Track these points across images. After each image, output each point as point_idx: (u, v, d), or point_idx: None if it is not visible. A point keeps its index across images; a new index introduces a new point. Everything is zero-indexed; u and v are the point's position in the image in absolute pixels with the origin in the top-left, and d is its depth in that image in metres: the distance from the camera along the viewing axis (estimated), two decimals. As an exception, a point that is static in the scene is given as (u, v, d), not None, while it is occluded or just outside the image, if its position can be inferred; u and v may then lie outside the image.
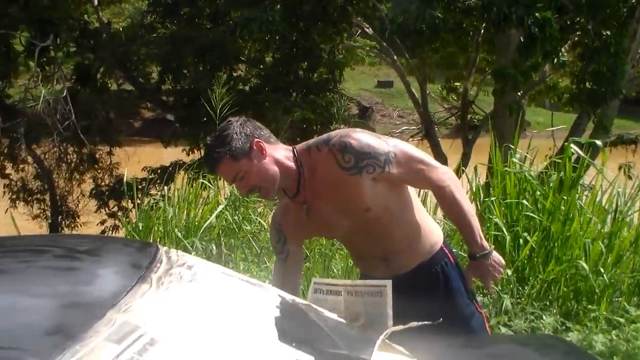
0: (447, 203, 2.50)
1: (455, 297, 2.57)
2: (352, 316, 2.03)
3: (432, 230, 2.65)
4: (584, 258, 4.15)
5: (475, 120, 13.92)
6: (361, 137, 2.41)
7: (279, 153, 2.47)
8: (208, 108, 5.65)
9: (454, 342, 2.07)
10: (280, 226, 2.66)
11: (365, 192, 2.43)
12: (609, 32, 8.86)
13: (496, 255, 2.52)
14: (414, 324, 1.84)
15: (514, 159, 4.65)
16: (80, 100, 12.40)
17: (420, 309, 2.25)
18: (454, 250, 2.90)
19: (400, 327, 1.83)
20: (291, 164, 2.47)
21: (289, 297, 1.81)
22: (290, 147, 2.53)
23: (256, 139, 2.41)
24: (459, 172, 5.66)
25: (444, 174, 2.48)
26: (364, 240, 2.60)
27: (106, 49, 12.49)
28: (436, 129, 13.64)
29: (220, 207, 4.94)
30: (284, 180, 2.46)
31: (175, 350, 1.24)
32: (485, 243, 2.50)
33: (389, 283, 2.04)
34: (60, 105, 10.89)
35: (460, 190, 2.49)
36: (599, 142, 5.06)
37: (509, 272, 4.04)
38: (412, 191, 2.62)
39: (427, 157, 2.51)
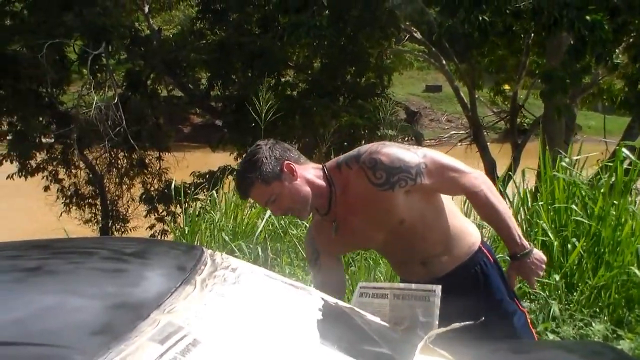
0: (482, 208, 2.49)
1: (496, 295, 2.55)
2: (396, 320, 2.03)
3: (469, 232, 2.64)
4: (636, 264, 4.06)
5: (525, 125, 13.77)
6: (390, 151, 2.41)
7: (309, 173, 2.49)
8: (254, 114, 5.70)
9: (499, 347, 2.05)
10: (313, 241, 2.70)
11: (399, 205, 2.44)
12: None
13: (537, 253, 2.50)
14: (456, 325, 1.83)
15: (562, 163, 4.58)
16: (130, 107, 12.61)
17: (462, 310, 2.24)
18: (497, 254, 2.87)
19: (443, 329, 1.83)
20: (322, 182, 2.49)
21: (332, 300, 1.82)
22: (320, 166, 2.55)
23: (286, 161, 2.43)
24: (506, 177, 5.62)
25: (476, 178, 2.47)
26: (401, 248, 2.61)
27: (156, 56, 12.68)
28: (485, 133, 13.51)
29: (268, 212, 4.97)
30: (315, 199, 2.48)
31: (217, 351, 1.26)
32: (525, 242, 2.48)
33: (438, 288, 2.03)
34: (112, 112, 11.08)
35: (494, 193, 2.47)
36: (627, 152, 4.92)
37: (557, 277, 3.98)
38: (445, 195, 2.61)
39: (458, 163, 2.50)
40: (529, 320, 2.61)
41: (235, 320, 1.40)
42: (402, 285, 2.03)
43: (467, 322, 1.87)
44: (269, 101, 5.69)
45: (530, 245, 2.50)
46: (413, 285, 2.02)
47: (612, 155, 6.20)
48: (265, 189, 2.41)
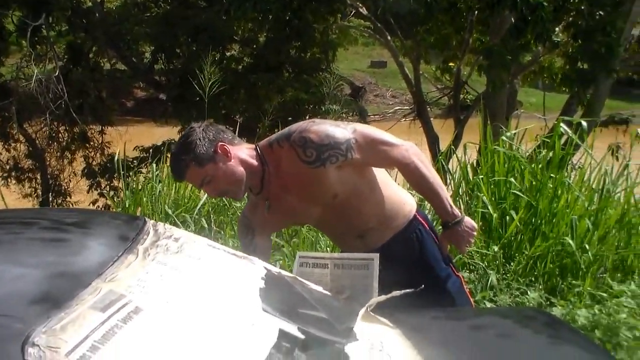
0: (414, 179, 2.53)
1: (431, 261, 2.61)
2: (337, 288, 2.07)
3: (404, 201, 2.68)
4: (570, 235, 4.20)
5: (468, 101, 13.94)
6: (320, 129, 2.42)
7: (243, 153, 2.50)
8: (199, 88, 5.66)
9: (437, 314, 2.11)
10: (249, 221, 2.69)
11: (331, 180, 2.46)
12: (602, 13, 8.87)
13: (468, 221, 2.57)
14: (397, 292, 1.88)
15: (503, 137, 4.68)
16: (72, 80, 12.34)
17: (399, 278, 2.30)
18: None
19: (383, 297, 1.87)
20: (255, 162, 2.50)
21: (275, 269, 1.85)
22: (253, 146, 2.56)
23: (220, 143, 2.44)
24: (449, 151, 5.71)
25: (407, 150, 2.50)
26: (337, 222, 2.64)
27: (99, 28, 12.41)
28: (428, 109, 13.63)
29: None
30: (249, 179, 2.49)
31: (160, 318, 1.27)
32: (456, 211, 2.54)
33: (376, 256, 2.08)
34: (53, 85, 10.83)
35: (425, 164, 2.52)
36: (584, 122, 5.07)
37: (496, 248, 4.09)
38: (376, 172, 2.64)
39: (389, 136, 2.53)
40: (464, 285, 2.68)
41: (177, 288, 1.41)
42: (341, 254, 2.06)
43: (407, 290, 1.92)
44: (213, 75, 5.65)
45: (461, 213, 2.57)
46: (352, 255, 2.05)
47: (550, 130, 6.36)
48: (200, 171, 2.41)
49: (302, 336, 1.42)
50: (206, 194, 4.89)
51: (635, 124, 11.01)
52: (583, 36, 8.64)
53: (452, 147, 5.80)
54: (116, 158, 9.31)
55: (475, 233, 2.56)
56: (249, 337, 1.31)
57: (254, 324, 1.37)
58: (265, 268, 1.74)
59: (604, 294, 3.93)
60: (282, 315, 1.47)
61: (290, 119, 11.65)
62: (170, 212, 4.72)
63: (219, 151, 2.43)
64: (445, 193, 2.53)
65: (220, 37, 11.85)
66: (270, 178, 2.51)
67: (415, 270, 2.51)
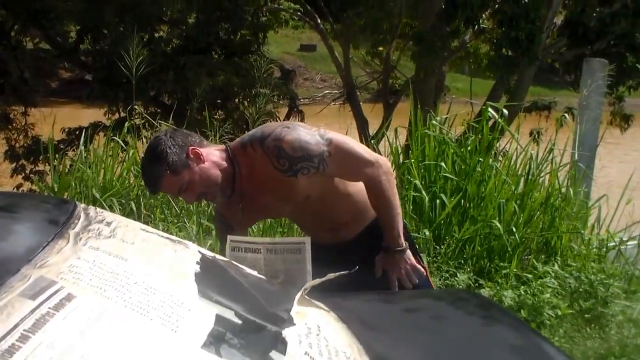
0: (377, 198, 2.53)
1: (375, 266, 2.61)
2: (272, 273, 2.06)
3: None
4: (497, 218, 4.30)
5: (397, 85, 14.08)
6: (294, 138, 2.39)
7: (214, 155, 2.46)
8: (126, 69, 5.53)
9: (371, 297, 2.12)
10: (224, 218, 2.68)
11: (303, 186, 2.46)
12: (527, 0, 9.06)
13: (409, 255, 2.58)
14: (331, 275, 1.88)
15: (434, 122, 4.74)
16: (-7, 58, 11.89)
17: (369, 269, 2.41)
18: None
19: (318, 280, 1.87)
20: (226, 163, 2.46)
21: (209, 253, 1.82)
22: (224, 147, 2.52)
23: (190, 147, 2.39)
24: (379, 135, 5.76)
25: (379, 168, 2.49)
26: (309, 218, 2.66)
27: (20, 4, 11.97)
28: (358, 93, 13.71)
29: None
30: (222, 181, 2.45)
31: (93, 305, 1.23)
32: (402, 240, 2.56)
33: (307, 240, 2.08)
34: (-29, 64, 10.42)
35: (391, 186, 2.52)
36: (505, 111, 5.18)
37: (427, 232, 4.15)
38: None
39: (364, 151, 2.52)
40: (429, 276, 2.68)
41: (111, 274, 1.37)
42: (273, 239, 2.06)
43: (342, 272, 1.92)
44: (142, 57, 5.53)
45: (405, 245, 2.58)
46: (284, 239, 2.05)
47: (477, 115, 6.48)
48: (176, 179, 2.36)
49: (239, 321, 1.41)
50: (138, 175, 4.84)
51: (557, 110, 11.33)
52: (508, 23, 8.81)
53: (384, 131, 5.85)
54: (41, 141, 9.03)
55: (410, 269, 2.55)
56: (185, 323, 1.29)
57: (191, 309, 1.35)
58: (200, 252, 1.72)
59: (529, 275, 4.05)
60: (218, 301, 1.45)
61: (219, 101, 11.58)
62: (97, 196, 4.61)
63: (192, 155, 2.38)
64: (400, 221, 2.55)
65: (148, 17, 11.61)
66: (242, 179, 2.48)
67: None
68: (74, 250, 1.41)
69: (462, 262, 4.14)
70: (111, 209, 4.48)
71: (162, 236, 1.70)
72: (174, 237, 1.73)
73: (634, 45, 10.11)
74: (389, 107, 12.46)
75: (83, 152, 5.53)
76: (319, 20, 12.77)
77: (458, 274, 3.93)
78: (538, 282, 3.88)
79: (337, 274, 1.90)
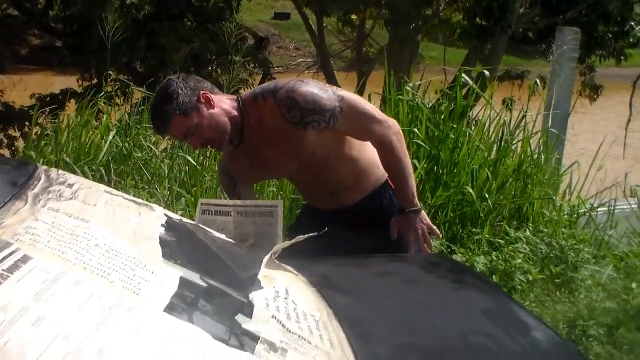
0: (387, 158, 2.52)
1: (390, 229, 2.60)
2: (241, 236, 2.03)
3: (378, 164, 2.66)
4: (470, 185, 4.29)
5: (371, 54, 14.02)
6: (307, 91, 2.38)
7: (225, 103, 2.44)
8: (97, 35, 5.44)
9: (342, 262, 2.10)
10: (228, 171, 2.66)
11: (311, 141, 2.44)
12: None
13: (425, 216, 2.59)
14: (300, 237, 1.85)
15: (407, 87, 4.71)
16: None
17: (364, 238, 2.41)
18: None
19: (287, 243, 1.84)
20: (236, 112, 2.44)
21: (175, 216, 1.78)
22: (235, 97, 2.50)
23: (202, 91, 2.37)
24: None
25: (389, 128, 2.48)
26: (312, 178, 2.63)
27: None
28: (332, 61, 13.63)
29: (112, 134, 4.78)
30: (231, 129, 2.43)
31: (50, 267, 1.18)
32: (417, 201, 2.57)
33: (280, 203, 2.05)
34: (-64, 30, 10.17)
35: (402, 146, 2.51)
36: (486, 72, 5.18)
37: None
38: None
39: (374, 111, 2.51)
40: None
41: (70, 236, 1.32)
42: (244, 201, 2.02)
43: (311, 234, 1.89)
44: (114, 23, 5.43)
45: (420, 205, 2.59)
46: (256, 202, 2.02)
47: (451, 83, 6.47)
48: (184, 121, 2.33)
49: (204, 284, 1.37)
50: (108, 141, 4.76)
51: (530, 79, 11.37)
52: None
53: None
54: (12, 107, 8.84)
55: (427, 230, 2.57)
56: (148, 286, 1.24)
57: (154, 271, 1.30)
58: (166, 215, 1.67)
59: (501, 241, 4.06)
60: (183, 264, 1.41)
61: (192, 69, 11.43)
62: (69, 160, 4.52)
63: (202, 99, 2.36)
64: (412, 181, 2.54)
65: (119, -18, 11.40)
66: (251, 130, 2.45)
67: (379, 232, 2.54)
68: (32, 212, 1.35)
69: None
70: (83, 175, 4.42)
71: (127, 199, 1.65)
72: (139, 200, 1.69)
73: (604, 14, 10.15)
74: (362, 75, 12.39)
75: (59, 118, 5.45)
76: (292, -12, 12.64)
77: (431, 240, 3.92)
78: (510, 247, 3.89)
79: (306, 235, 1.87)
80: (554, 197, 4.62)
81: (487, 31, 8.83)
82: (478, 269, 3.67)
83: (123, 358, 1.04)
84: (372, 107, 2.53)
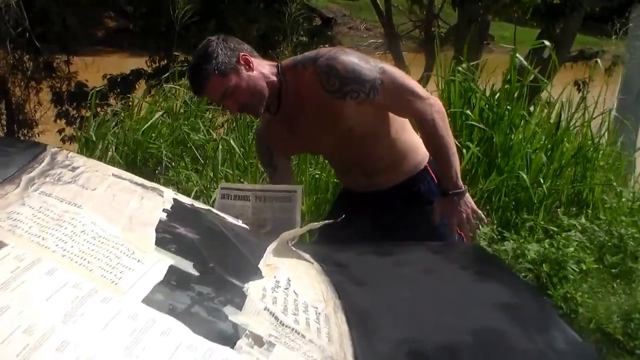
0: (429, 136, 2.46)
1: (430, 216, 2.54)
2: (259, 222, 1.99)
3: (417, 148, 2.62)
4: (525, 169, 4.15)
5: (440, 34, 13.75)
6: (348, 60, 2.33)
7: (264, 68, 2.41)
8: (167, 17, 5.51)
9: (365, 249, 2.04)
10: (266, 141, 2.63)
11: (349, 114, 2.39)
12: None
13: (469, 199, 2.51)
14: (314, 224, 1.80)
15: (459, 68, 4.57)
16: (34, 6, 11.93)
17: (398, 223, 2.41)
18: None
19: (301, 229, 1.79)
20: (275, 79, 2.40)
21: (187, 201, 1.75)
22: (275, 63, 2.47)
23: (242, 53, 2.34)
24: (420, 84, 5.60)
25: (431, 105, 2.42)
26: (348, 156, 2.59)
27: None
28: (401, 42, 13.41)
29: (158, 115, 4.82)
30: (269, 95, 2.40)
31: (24, 255, 1.16)
32: (460, 182, 2.48)
33: (299, 188, 2.00)
34: (12, 11, 10.47)
35: (445, 124, 2.44)
36: (521, 57, 4.86)
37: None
38: None
39: (416, 86, 2.44)
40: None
41: (55, 222, 1.30)
42: (263, 186, 1.98)
43: (327, 222, 1.84)
44: (183, 5, 5.49)
45: (465, 188, 2.51)
46: (274, 186, 1.97)
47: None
48: (222, 81, 2.31)
49: (195, 274, 1.33)
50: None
51: (606, 59, 10.92)
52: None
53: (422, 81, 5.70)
54: (84, 88, 9.05)
55: (471, 214, 2.48)
56: (130, 275, 1.21)
57: (141, 259, 1.27)
58: (175, 199, 1.64)
59: (556, 228, 3.92)
60: (177, 252, 1.37)
61: (261, 50, 11.47)
62: (141, 138, 4.60)
63: (242, 61, 2.33)
64: (456, 162, 2.46)
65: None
66: (288, 98, 2.42)
67: (417, 218, 2.50)
68: (21, 196, 1.34)
69: (487, 214, 4.01)
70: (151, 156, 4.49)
71: (135, 182, 1.62)
72: (148, 184, 1.65)
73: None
74: (431, 56, 12.16)
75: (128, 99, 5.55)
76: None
77: (481, 226, 3.81)
78: (563, 235, 3.74)
79: (320, 223, 1.82)
80: (614, 183, 4.41)
81: (558, 10, 8.50)
82: (529, 257, 3.54)
83: (87, 352, 1.01)
84: (414, 83, 2.46)
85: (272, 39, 11.81)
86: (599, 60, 5.82)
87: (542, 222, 3.96)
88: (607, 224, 3.89)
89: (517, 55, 4.62)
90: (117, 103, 10.51)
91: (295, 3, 12.00)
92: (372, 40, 23.01)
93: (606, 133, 4.66)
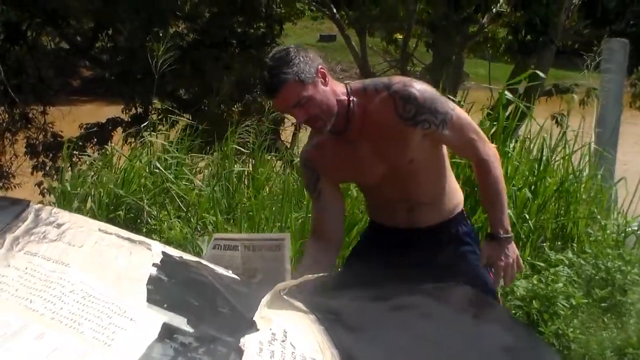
0: (485, 177, 2.46)
1: (469, 257, 2.55)
2: (249, 272, 1.95)
3: (457, 191, 2.63)
4: (512, 205, 4.14)
5: (415, 73, 13.90)
6: (425, 90, 2.34)
7: (337, 86, 2.37)
8: (142, 65, 5.51)
9: (357, 294, 2.00)
10: (312, 163, 2.57)
11: (414, 143, 2.39)
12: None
13: (514, 246, 2.52)
14: (308, 277, 1.76)
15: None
16: (10, 59, 11.94)
17: (434, 264, 2.40)
18: None
19: (295, 281, 1.75)
20: (345, 98, 2.36)
21: (176, 253, 1.71)
22: (344, 84, 2.43)
23: (320, 66, 2.30)
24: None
25: (491, 149, 2.45)
26: (397, 189, 2.54)
27: (35, 4, 12.00)
28: (377, 82, 13.54)
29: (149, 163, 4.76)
30: (337, 114, 2.36)
31: (11, 321, 1.11)
32: (509, 228, 2.49)
33: (287, 236, 1.96)
34: (-12, 64, 10.47)
35: (500, 170, 2.46)
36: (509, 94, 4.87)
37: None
38: (445, 149, 2.58)
39: (479, 129, 2.47)
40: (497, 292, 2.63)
41: (43, 282, 1.25)
42: (250, 235, 1.94)
43: (322, 274, 1.80)
44: (161, 52, 5.50)
45: (512, 235, 2.51)
46: (262, 235, 1.93)
47: (498, 99, 6.33)
48: (300, 89, 2.25)
49: (190, 331, 1.29)
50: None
51: (579, 93, 11.05)
52: (523, 6, 8.65)
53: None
54: (60, 138, 9.00)
55: (515, 264, 2.49)
56: (123, 335, 1.17)
57: (134, 318, 1.23)
58: (164, 253, 1.60)
59: (543, 264, 3.90)
60: (170, 308, 1.33)
61: (233, 94, 11.51)
62: (121, 192, 4.52)
63: (320, 74, 2.29)
64: (506, 207, 2.48)
65: (163, 12, 11.58)
66: (354, 121, 2.38)
67: (452, 259, 2.51)
68: (5, 257, 1.30)
69: (474, 251, 3.99)
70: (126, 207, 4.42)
71: (122, 236, 1.58)
72: (136, 237, 1.61)
73: (653, 25, 9.86)
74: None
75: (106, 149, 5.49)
76: (334, 10, 12.63)
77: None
78: (551, 270, 3.72)
79: (316, 275, 1.78)
80: (598, 216, 4.41)
81: (530, 46, 8.66)
82: (518, 293, 3.52)
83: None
84: (477, 126, 2.48)
85: (248, 84, 11.89)
86: (575, 96, 5.88)
87: (528, 258, 3.95)
88: (594, 257, 3.89)
89: (507, 92, 4.65)
90: (94, 152, 10.48)
91: (271, 47, 12.14)
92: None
93: (587, 166, 4.68)
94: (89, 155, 7.09)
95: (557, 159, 4.70)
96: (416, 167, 2.45)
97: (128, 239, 1.59)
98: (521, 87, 5.66)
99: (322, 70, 2.30)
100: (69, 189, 4.75)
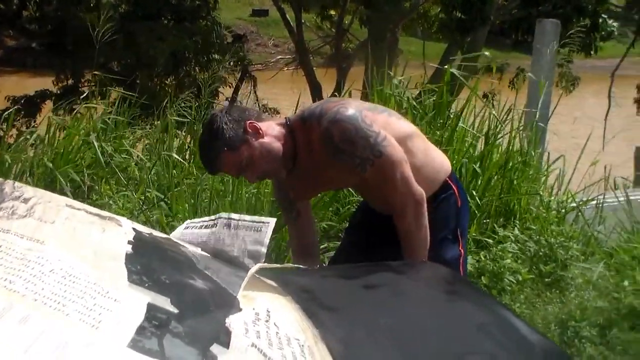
0: (402, 232, 2.40)
1: (438, 222, 2.50)
2: (221, 250, 1.87)
3: (437, 168, 2.56)
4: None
5: (350, 49, 13.91)
6: (346, 128, 2.25)
7: (274, 129, 2.35)
8: (73, 36, 5.29)
9: (329, 273, 1.96)
10: (285, 194, 2.62)
11: (352, 174, 2.40)
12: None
13: None
14: (288, 265, 1.71)
15: (394, 81, 4.60)
16: None
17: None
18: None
19: (269, 265, 1.70)
20: (287, 138, 2.36)
21: (146, 230, 1.63)
22: (283, 121, 2.41)
23: (248, 121, 2.27)
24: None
25: (411, 203, 2.35)
26: (369, 191, 2.61)
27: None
28: (311, 57, 13.48)
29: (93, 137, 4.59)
30: (284, 156, 2.35)
31: (0, 298, 1.04)
32: None
33: (272, 221, 1.89)
34: None
35: (420, 221, 2.37)
36: (455, 71, 4.92)
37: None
38: (414, 130, 2.57)
39: (408, 177, 2.35)
40: (462, 261, 2.63)
41: (21, 261, 1.17)
42: (231, 214, 1.86)
43: (296, 265, 1.76)
44: (103, 24, 5.31)
45: None
46: (244, 216, 1.86)
47: (432, 77, 6.38)
48: (235, 156, 2.24)
49: (175, 311, 1.22)
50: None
51: (509, 72, 11.27)
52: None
53: (336, 94, 5.69)
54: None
55: None
56: (110, 317, 1.10)
57: (118, 299, 1.16)
58: (135, 229, 1.52)
59: (489, 240, 3.95)
60: (152, 287, 1.26)
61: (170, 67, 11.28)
62: (50, 165, 4.33)
63: (249, 130, 2.26)
64: (425, 253, 2.41)
65: (95, -18, 11.23)
66: (302, 153, 2.38)
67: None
68: (-26, 233, 1.21)
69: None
70: (65, 180, 4.25)
71: (90, 212, 1.49)
72: (104, 213, 1.53)
73: (579, 7, 10.10)
74: (342, 71, 12.28)
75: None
76: (269, -17, 12.49)
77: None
78: (498, 247, 3.78)
79: (292, 265, 1.74)
80: (541, 193, 4.50)
81: (467, 24, 8.74)
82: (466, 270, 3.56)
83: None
84: (407, 172, 2.35)
85: (182, 57, 11.67)
86: (530, 74, 5.97)
87: (474, 234, 3.99)
88: (537, 234, 3.96)
89: (453, 69, 4.67)
90: (22, 125, 10.09)
91: (205, 21, 11.93)
92: (280, 57, 23.08)
93: (531, 143, 4.75)
94: (19, 130, 6.81)
95: (499, 136, 4.75)
96: (370, 183, 2.43)
97: (97, 214, 1.50)
98: (456, 65, 5.72)
99: (251, 124, 2.28)
100: (9, 160, 4.53)
